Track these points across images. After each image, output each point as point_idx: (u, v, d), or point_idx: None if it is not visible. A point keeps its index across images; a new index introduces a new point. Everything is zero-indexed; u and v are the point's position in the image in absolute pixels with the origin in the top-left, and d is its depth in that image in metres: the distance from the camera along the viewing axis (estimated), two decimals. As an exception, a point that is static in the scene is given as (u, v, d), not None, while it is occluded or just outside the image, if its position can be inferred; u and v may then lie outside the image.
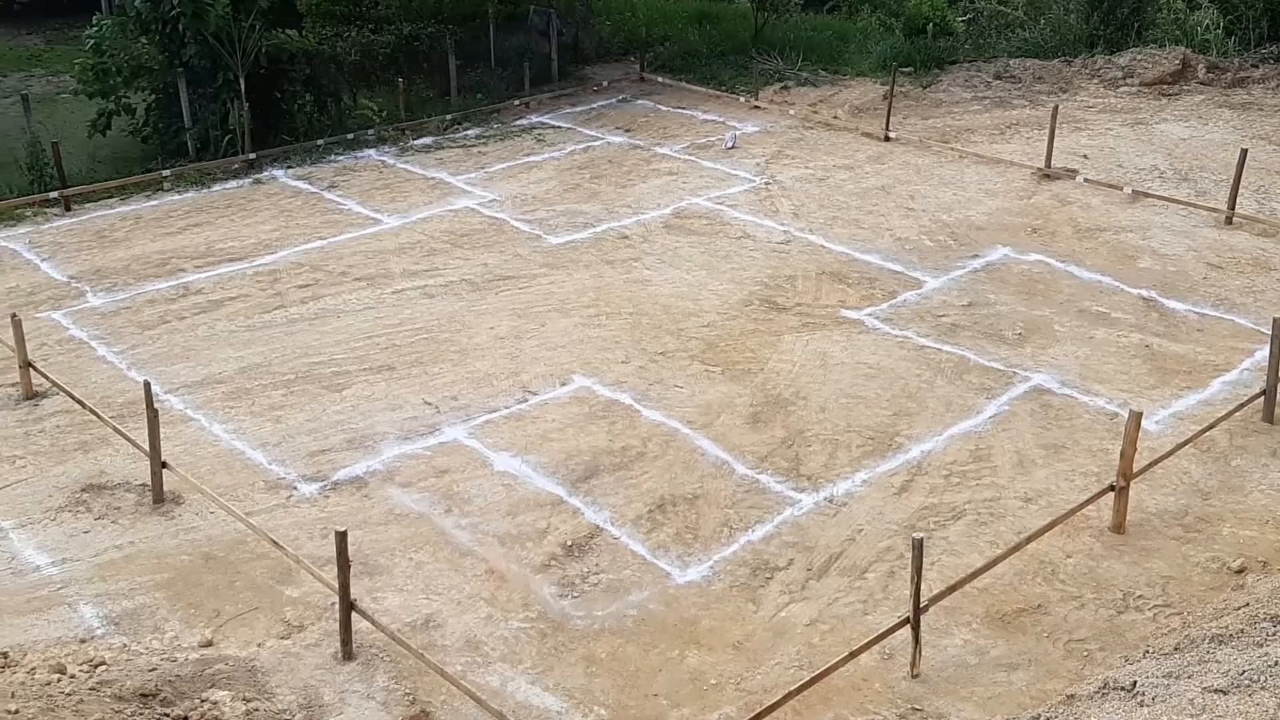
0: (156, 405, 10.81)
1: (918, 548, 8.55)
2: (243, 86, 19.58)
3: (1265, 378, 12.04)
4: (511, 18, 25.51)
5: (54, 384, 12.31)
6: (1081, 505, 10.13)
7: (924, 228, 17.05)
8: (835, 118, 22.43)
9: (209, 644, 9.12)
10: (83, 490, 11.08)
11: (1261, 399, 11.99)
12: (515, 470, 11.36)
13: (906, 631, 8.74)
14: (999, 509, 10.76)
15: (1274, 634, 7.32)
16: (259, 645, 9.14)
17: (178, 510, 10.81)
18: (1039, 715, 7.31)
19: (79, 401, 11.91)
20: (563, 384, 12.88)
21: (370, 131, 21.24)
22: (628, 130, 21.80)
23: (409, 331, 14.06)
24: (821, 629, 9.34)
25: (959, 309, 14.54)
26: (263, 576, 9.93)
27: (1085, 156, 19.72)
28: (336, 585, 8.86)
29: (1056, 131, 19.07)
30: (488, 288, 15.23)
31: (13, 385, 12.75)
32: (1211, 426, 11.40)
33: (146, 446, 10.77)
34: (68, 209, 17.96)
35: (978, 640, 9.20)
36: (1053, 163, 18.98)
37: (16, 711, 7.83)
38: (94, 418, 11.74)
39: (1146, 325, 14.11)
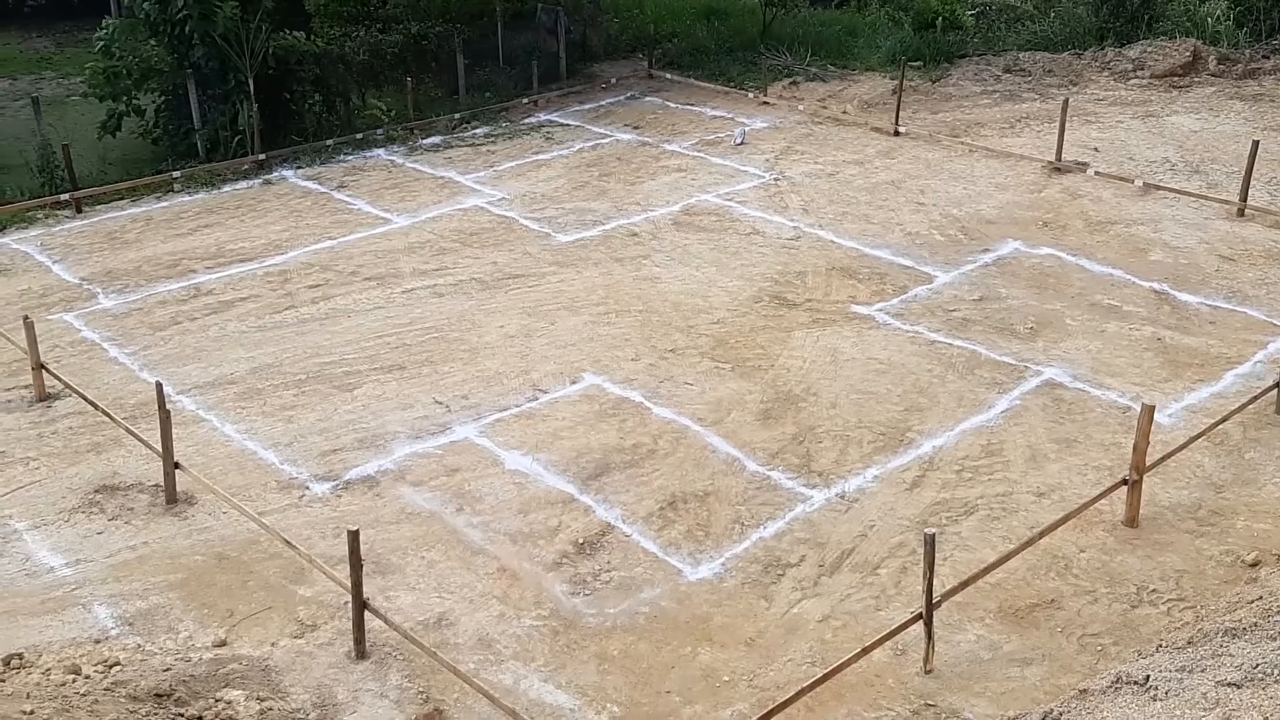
0: (169, 406, 10.86)
1: (930, 543, 8.53)
2: (252, 87, 19.62)
3: (1278, 370, 11.97)
4: (519, 16, 25.53)
5: (67, 386, 12.36)
6: (1094, 499, 10.10)
7: (934, 222, 17.01)
8: (844, 113, 22.39)
9: (223, 644, 9.15)
10: (96, 491, 11.12)
11: (1275, 391, 11.93)
12: (526, 468, 11.37)
13: (919, 627, 8.72)
14: (1011, 504, 10.74)
15: (1288, 627, 7.30)
16: (272, 645, 9.17)
17: (190, 511, 10.84)
18: (1052, 710, 7.29)
19: (91, 403, 11.94)
20: (573, 382, 12.89)
21: (379, 131, 21.27)
22: (636, 127, 21.79)
23: (419, 331, 14.08)
24: (834, 625, 9.33)
25: (970, 303, 14.51)
26: (276, 576, 9.96)
27: (1096, 149, 19.65)
28: (349, 584, 8.87)
29: (1067, 125, 19.01)
30: (497, 286, 15.24)
31: (25, 387, 12.80)
32: (1225, 419, 11.35)
33: (159, 447, 10.80)
34: (79, 211, 18.03)
35: (991, 635, 9.18)
36: (1063, 156, 18.91)
37: (32, 712, 7.86)
38: (106, 419, 11.78)
39: (1158, 318, 14.06)
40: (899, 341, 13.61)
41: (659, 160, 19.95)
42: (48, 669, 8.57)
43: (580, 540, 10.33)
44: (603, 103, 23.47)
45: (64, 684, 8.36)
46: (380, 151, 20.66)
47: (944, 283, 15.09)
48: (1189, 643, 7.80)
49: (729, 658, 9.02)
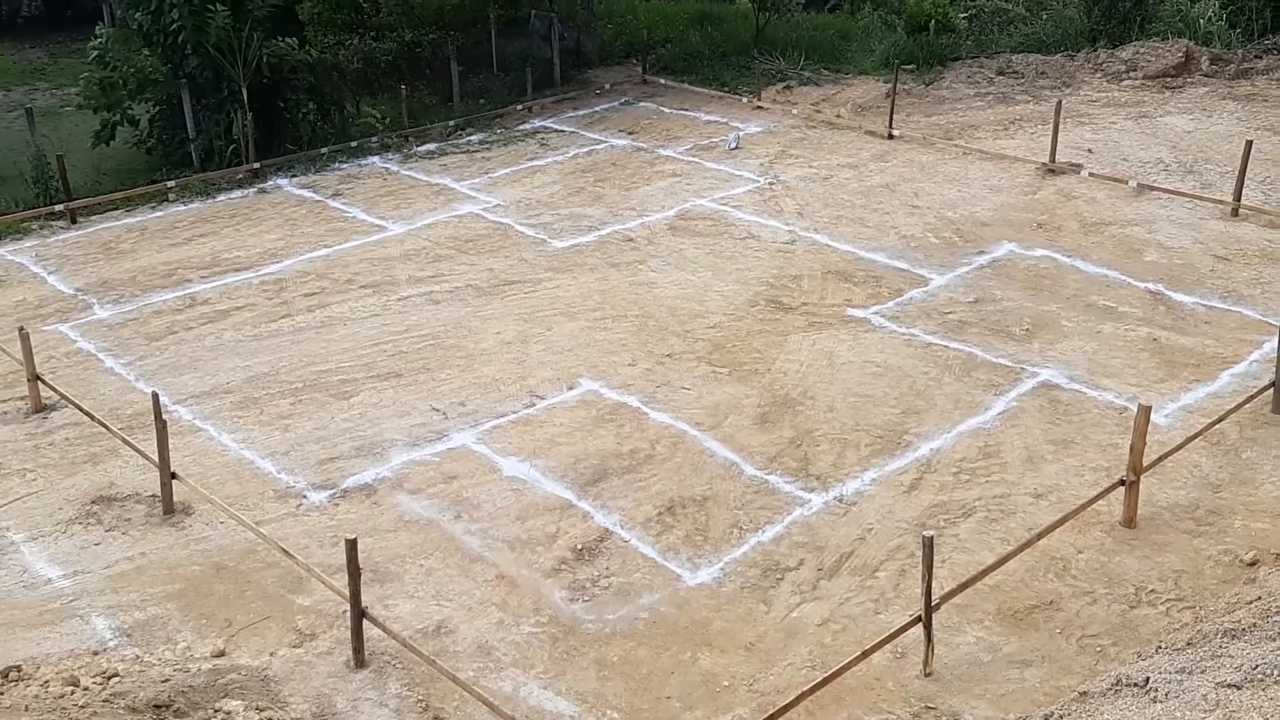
0: (165, 416, 10.83)
1: (928, 546, 8.53)
2: (246, 96, 19.62)
3: (1274, 369, 12.00)
4: (513, 23, 25.55)
5: (63, 397, 12.35)
6: (1092, 500, 10.10)
7: (929, 225, 17.03)
8: (838, 116, 22.42)
9: (221, 654, 9.13)
10: (93, 502, 11.10)
11: (1271, 391, 11.95)
12: (524, 475, 11.36)
13: (919, 630, 8.72)
14: (1009, 505, 10.74)
15: (1287, 627, 7.30)
16: (271, 654, 9.15)
17: (188, 521, 10.82)
18: (1052, 713, 7.29)
19: (88, 414, 11.93)
20: (570, 388, 12.88)
21: (374, 139, 21.27)
22: (631, 133, 21.81)
23: (415, 338, 14.08)
24: (833, 629, 9.33)
25: (965, 306, 14.52)
26: (274, 585, 9.95)
27: (1090, 151, 19.68)
28: (348, 593, 8.86)
29: (1060, 126, 19.04)
30: (493, 293, 15.24)
31: (21, 399, 12.78)
32: (1221, 419, 11.37)
33: (156, 458, 10.78)
34: (73, 221, 18.01)
35: (990, 637, 9.18)
36: (1057, 157, 18.94)
37: (30, 724, 7.84)
38: (103, 430, 11.76)
39: (1154, 319, 14.08)
40: (895, 344, 13.62)
41: (654, 165, 19.96)
42: (46, 681, 8.54)
43: (579, 546, 10.32)
44: (597, 108, 23.49)
45: (62, 696, 8.34)
46: (375, 159, 20.66)
47: (939, 285, 15.10)
48: (1188, 644, 7.80)
49: (729, 662, 9.02)
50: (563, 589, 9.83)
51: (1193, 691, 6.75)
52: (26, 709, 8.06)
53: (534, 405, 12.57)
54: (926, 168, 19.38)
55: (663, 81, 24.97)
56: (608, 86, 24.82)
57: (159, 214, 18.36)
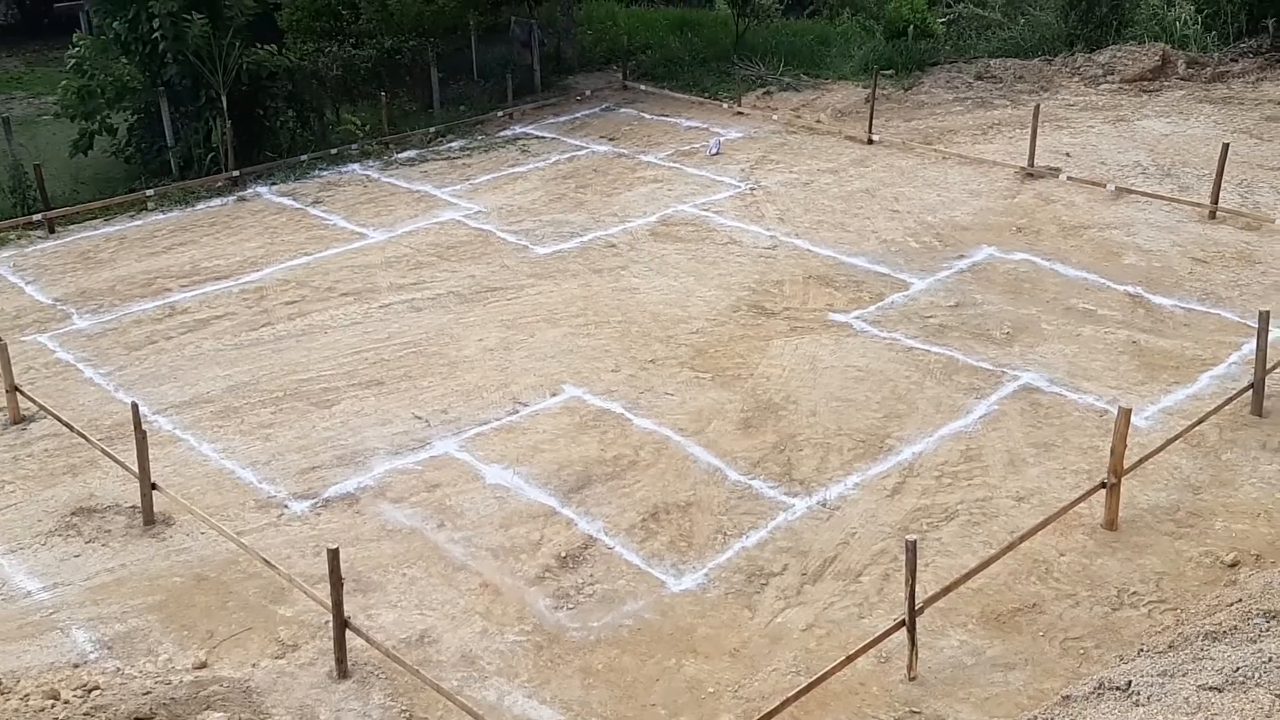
0: (145, 426, 10.78)
1: (911, 549, 8.55)
2: (225, 104, 19.55)
3: (1253, 371, 12.07)
4: (493, 29, 25.53)
5: (41, 408, 12.26)
6: (1073, 503, 10.14)
7: (909, 229, 17.08)
8: (818, 122, 22.48)
9: (203, 665, 9.08)
10: (72, 514, 11.02)
11: (1250, 392, 12.02)
12: (507, 482, 11.34)
13: (902, 634, 8.74)
14: (991, 509, 10.77)
15: (1268, 630, 7.34)
16: (253, 665, 9.10)
17: (168, 531, 10.76)
18: (1036, 717, 7.31)
19: (67, 425, 11.85)
20: (553, 394, 12.87)
21: (354, 146, 21.22)
22: (612, 139, 21.81)
23: (397, 345, 14.04)
24: (818, 634, 9.34)
25: (946, 310, 14.57)
26: (255, 596, 9.89)
27: (1068, 154, 19.78)
28: (330, 603, 8.82)
29: (1038, 130, 19.13)
30: (475, 300, 15.21)
31: (0, 410, 12.69)
32: (1201, 421, 11.43)
33: (135, 468, 10.72)
34: (51, 231, 17.90)
35: (974, 641, 9.20)
36: (1035, 161, 19.03)
37: (10, 739, 7.79)
38: (82, 441, 11.69)
39: (1133, 321, 14.15)
40: (877, 349, 13.65)
41: (635, 171, 19.97)
42: (26, 695, 8.48)
43: (563, 554, 10.30)
44: (578, 115, 23.50)
45: (43, 710, 8.28)
46: (355, 166, 20.61)
47: (920, 289, 15.15)
48: (1170, 646, 7.83)
49: (714, 669, 9.01)
50: (547, 597, 9.81)
51: (1174, 695, 6.78)
52: (6, 723, 8.01)
53: (517, 412, 12.54)
54: (906, 172, 19.45)
55: (643, 87, 24.99)
56: (588, 93, 24.83)
57: (138, 223, 18.27)
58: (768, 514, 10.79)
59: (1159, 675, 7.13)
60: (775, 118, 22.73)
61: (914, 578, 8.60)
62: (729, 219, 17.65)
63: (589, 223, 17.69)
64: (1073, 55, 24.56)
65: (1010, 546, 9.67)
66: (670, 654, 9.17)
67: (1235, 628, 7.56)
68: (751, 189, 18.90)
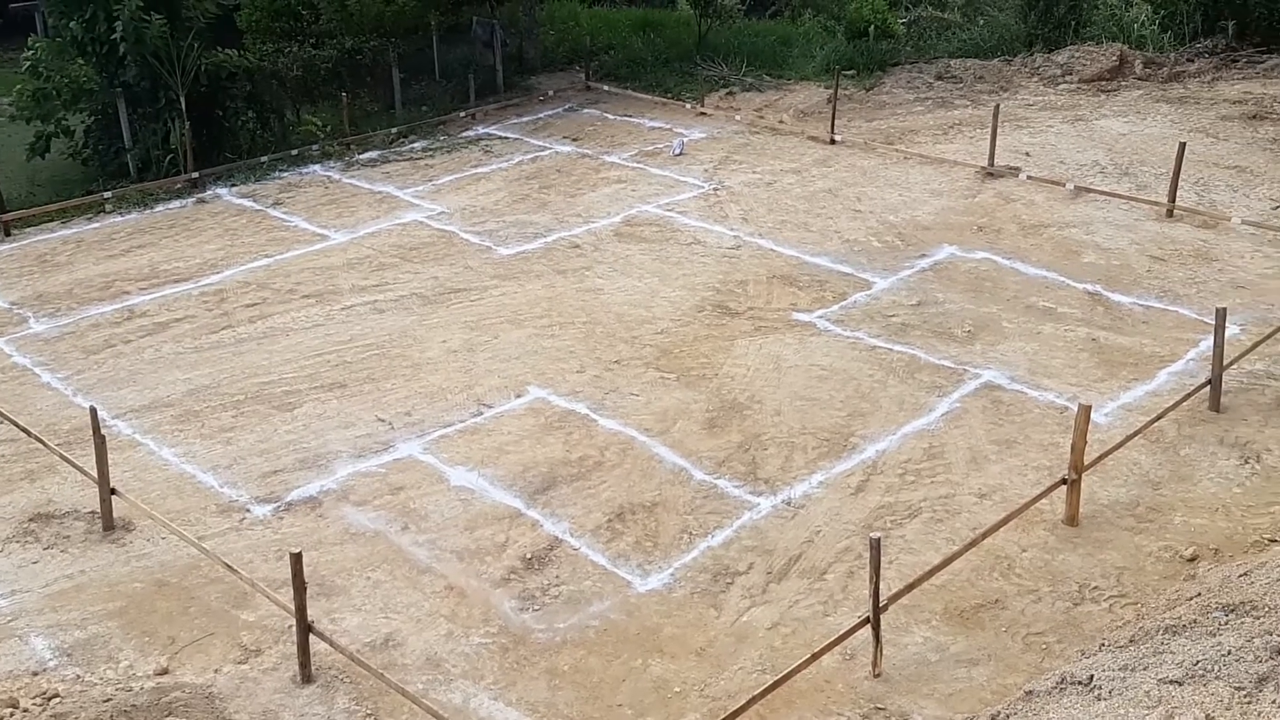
0: (104, 431, 10.66)
1: (875, 547, 8.59)
2: (184, 105, 19.36)
3: (1210, 367, 12.22)
4: (454, 29, 25.44)
5: (-2, 413, 12.11)
6: (1035, 499, 10.23)
7: (871, 229, 17.17)
8: (781, 122, 22.55)
9: (164, 672, 8.99)
10: (30, 520, 10.88)
11: (1207, 388, 12.17)
12: (472, 484, 11.30)
13: (867, 631, 8.78)
14: (954, 506, 10.85)
15: (1226, 623, 7.43)
16: (216, 671, 9.02)
17: (128, 537, 10.64)
18: (999, 713, 7.37)
19: (24, 429, 11.69)
20: (518, 396, 12.84)
21: (314, 147, 21.08)
22: (575, 139, 21.79)
23: (360, 348, 13.96)
24: (783, 632, 9.36)
25: (908, 309, 14.65)
26: (217, 601, 9.80)
27: (1027, 154, 19.95)
28: (293, 607, 8.75)
29: (998, 130, 19.29)
30: (439, 301, 15.15)
31: (-45, 415, 12.52)
32: (1160, 417, 11.56)
33: (94, 473, 10.60)
34: (7, 234, 17.67)
35: (938, 637, 9.26)
36: (996, 161, 19.18)
37: (-33, 749, 7.68)
38: (40, 446, 11.53)
39: (1092, 319, 14.29)
40: (840, 348, 13.71)
41: (599, 172, 19.96)
42: (-16, 704, 8.37)
43: (528, 555, 10.28)
44: (541, 115, 23.46)
45: (1, 718, 8.16)
46: (316, 167, 20.47)
47: (882, 288, 15.23)
48: (1131, 641, 7.91)
49: (680, 668, 9.02)
50: (512, 598, 9.79)
51: (1135, 688, 6.85)
52: (-37, 733, 7.89)
53: (481, 414, 12.50)
54: (868, 172, 19.55)
55: (606, 88, 24.98)
56: (551, 93, 24.79)
57: (95, 225, 18.07)
58: (733, 513, 10.81)
59: (1120, 669, 7.20)
60: (738, 118, 22.79)
61: (878, 575, 8.64)
62: (693, 219, 17.67)
63: (553, 223, 17.66)
64: (1032, 55, 24.78)
65: (973, 543, 9.74)
66: (636, 654, 9.17)
67: (1195, 621, 7.64)
68: (715, 189, 18.94)
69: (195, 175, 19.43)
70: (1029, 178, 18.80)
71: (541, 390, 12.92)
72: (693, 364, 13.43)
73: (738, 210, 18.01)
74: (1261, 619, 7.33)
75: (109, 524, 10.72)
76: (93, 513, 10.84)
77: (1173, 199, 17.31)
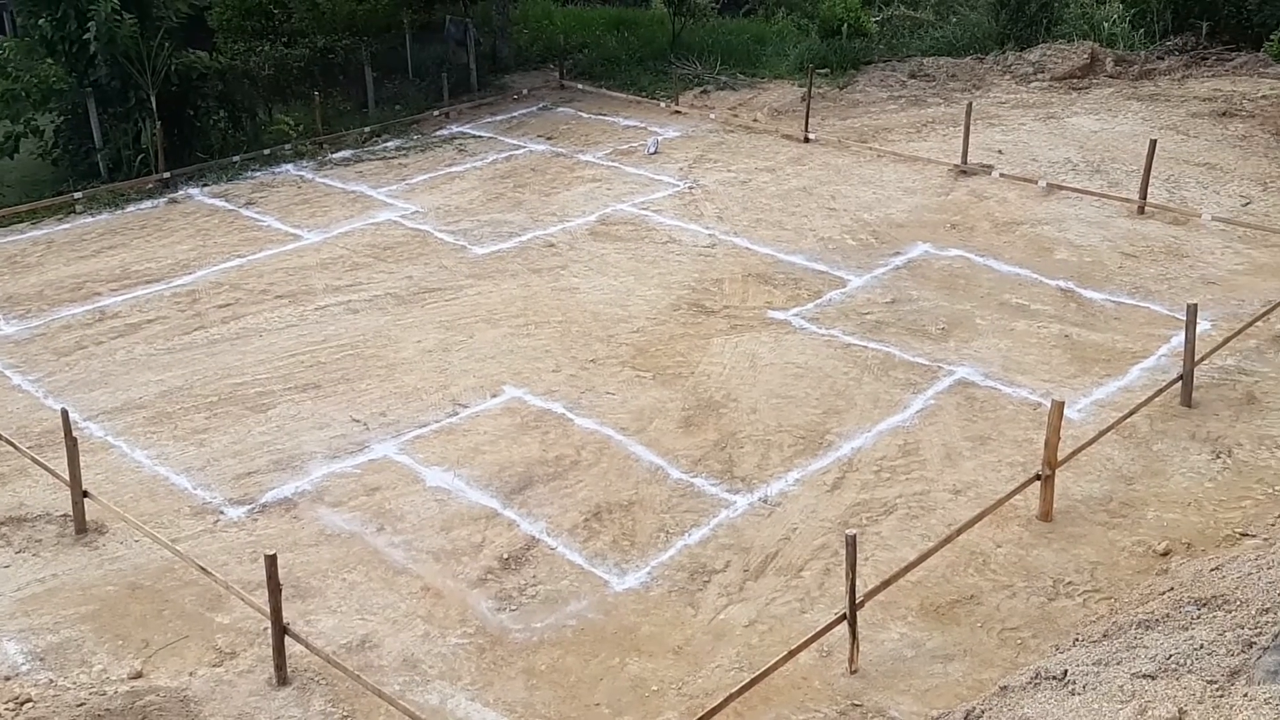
0: (75, 433, 10.57)
1: (851, 544, 8.62)
2: (154, 104, 19.22)
3: (1182, 363, 12.32)
4: (427, 28, 25.35)
5: (-33, 416, 11.99)
6: (1009, 495, 10.29)
7: (846, 227, 17.22)
8: (755, 120, 22.59)
9: (139, 675, 8.93)
10: (1, 523, 10.78)
11: (1179, 384, 12.27)
12: (448, 485, 11.27)
13: (844, 628, 8.81)
14: (929, 502, 10.90)
15: (1199, 617, 7.49)
16: (190, 674, 8.97)
17: (101, 540, 10.56)
18: (974, 708, 7.40)
19: (-6, 433, 11.60)
20: (493, 395, 12.81)
21: (287, 146, 20.97)
22: (549, 138, 21.76)
23: (334, 348, 13.89)
24: (760, 629, 9.38)
25: (883, 306, 14.71)
26: (192, 604, 9.74)
27: (1000, 152, 20.06)
28: (268, 610, 8.71)
29: (971, 128, 19.37)
30: (413, 301, 15.10)
31: (-76, 418, 12.39)
32: (1132, 413, 11.64)
33: (66, 476, 10.51)
34: (-24, 235, 17.52)
35: (914, 633, 9.30)
36: (969, 159, 19.27)
37: (-62, 756, 7.61)
38: (10, 448, 11.43)
39: (1065, 315, 14.38)
40: (815, 345, 13.75)
41: (574, 170, 19.93)
42: (-46, 710, 8.30)
43: (505, 555, 10.26)
44: (515, 114, 23.41)
45: (-28, 725, 8.10)
46: (289, 167, 20.36)
47: (857, 286, 15.29)
48: (1104, 635, 7.96)
49: (657, 667, 9.03)
50: (489, 599, 9.77)
51: (1109, 683, 6.89)
52: (-66, 740, 7.82)
53: (457, 414, 12.47)
54: (842, 170, 19.61)
55: (580, 87, 24.95)
56: (525, 92, 24.75)
57: (66, 226, 17.92)
58: (710, 511, 10.83)
59: (1094, 664, 7.25)
60: (712, 116, 22.81)
61: (854, 572, 8.67)
62: (668, 218, 17.68)
63: (527, 222, 17.63)
64: (1004, 54, 24.91)
65: (948, 539, 9.79)
66: (614, 653, 9.17)
67: (1168, 616, 7.70)
68: (690, 188, 18.95)
69: (166, 175, 19.30)
70: (1002, 175, 18.90)
71: (517, 390, 12.89)
72: (668, 363, 13.44)
73: (713, 209, 18.03)
74: (1233, 613, 7.40)
75: (81, 527, 10.63)
76: (65, 516, 10.75)
77: (1144, 196, 17.44)
